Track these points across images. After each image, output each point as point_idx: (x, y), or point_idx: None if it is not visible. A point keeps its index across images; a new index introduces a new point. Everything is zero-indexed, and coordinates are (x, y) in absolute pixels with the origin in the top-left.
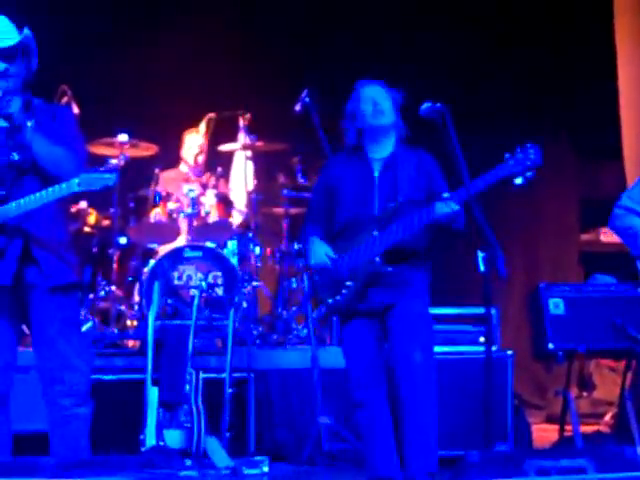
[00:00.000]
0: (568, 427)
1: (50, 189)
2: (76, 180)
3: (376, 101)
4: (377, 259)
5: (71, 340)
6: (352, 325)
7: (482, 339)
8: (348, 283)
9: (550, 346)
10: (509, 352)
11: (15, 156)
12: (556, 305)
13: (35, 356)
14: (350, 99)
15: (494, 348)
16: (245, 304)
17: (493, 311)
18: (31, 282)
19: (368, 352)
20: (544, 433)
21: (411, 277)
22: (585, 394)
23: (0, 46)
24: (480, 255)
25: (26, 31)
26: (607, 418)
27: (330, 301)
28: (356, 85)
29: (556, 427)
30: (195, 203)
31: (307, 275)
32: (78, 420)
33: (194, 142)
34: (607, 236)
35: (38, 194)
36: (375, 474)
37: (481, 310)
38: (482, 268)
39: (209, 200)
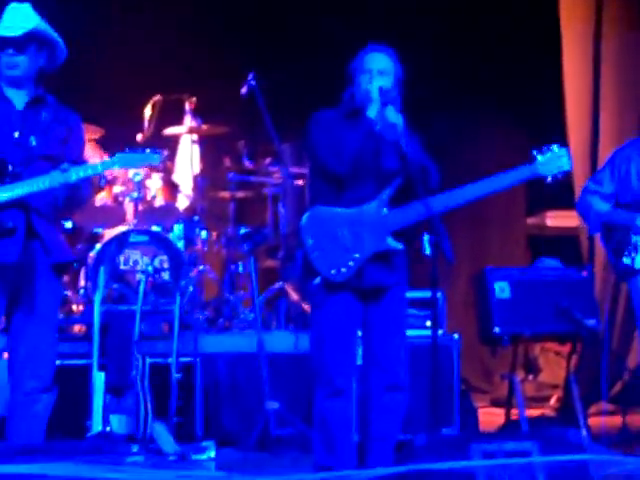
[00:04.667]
0: (514, 411)
1: (81, 169)
2: (114, 159)
3: (376, 75)
4: (389, 237)
5: (51, 325)
6: (338, 300)
7: (428, 323)
8: (356, 255)
9: (496, 330)
10: (455, 336)
11: (33, 141)
12: (502, 289)
13: (11, 337)
14: (354, 60)
15: (440, 332)
16: (191, 288)
17: (439, 295)
18: (33, 258)
19: (351, 334)
20: (490, 417)
21: (403, 261)
22: (531, 377)
23: (7, 35)
24: (426, 238)
25: (38, 22)
26: (552, 401)
27: (334, 272)
28: (364, 49)
29: (502, 411)
30: (141, 187)
31: (302, 249)
32: (40, 405)
33: None
34: (553, 220)
35: (61, 174)
36: (327, 464)
37: (427, 294)
38: (428, 251)
39: (155, 184)
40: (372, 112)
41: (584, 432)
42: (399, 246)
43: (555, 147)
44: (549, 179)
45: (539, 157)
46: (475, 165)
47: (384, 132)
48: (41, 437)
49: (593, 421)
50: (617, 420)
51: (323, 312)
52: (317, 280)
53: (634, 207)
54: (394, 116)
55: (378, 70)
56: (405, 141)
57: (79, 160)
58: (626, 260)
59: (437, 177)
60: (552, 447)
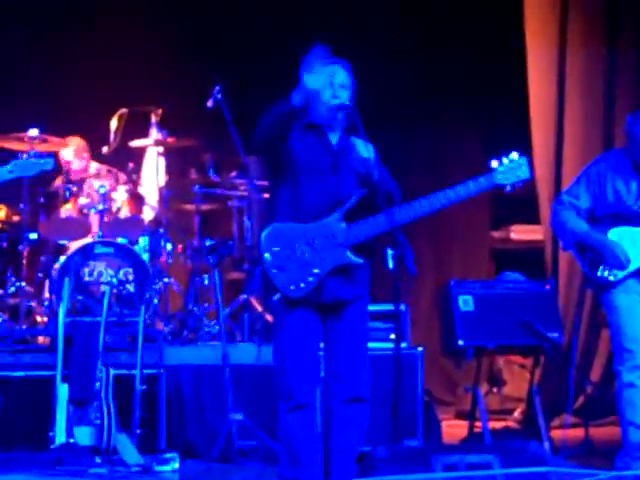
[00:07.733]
0: (478, 423)
1: None
2: (7, 167)
3: (336, 87)
4: (348, 252)
5: None
6: (298, 316)
7: (392, 336)
8: (315, 270)
9: (460, 342)
10: (419, 349)
11: None
12: (465, 302)
13: None
14: (309, 65)
15: (404, 345)
16: (156, 300)
17: (402, 308)
18: None
19: (313, 348)
20: (454, 429)
21: (364, 275)
22: (495, 390)
23: None
24: (389, 252)
25: None
26: (516, 414)
27: (292, 288)
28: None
29: (466, 423)
30: (106, 199)
31: (262, 265)
32: None
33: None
34: (518, 234)
35: None
36: (292, 476)
37: (391, 307)
38: (391, 265)
39: (120, 196)
40: (334, 139)
41: (546, 445)
42: (359, 260)
43: (514, 155)
44: (508, 188)
45: (497, 167)
46: (435, 178)
47: (355, 165)
48: None
49: (556, 434)
50: (580, 433)
51: (284, 327)
52: (277, 296)
53: (609, 219)
54: (364, 151)
55: (337, 82)
56: (376, 172)
57: None
58: (600, 273)
59: (400, 199)
60: (513, 459)
